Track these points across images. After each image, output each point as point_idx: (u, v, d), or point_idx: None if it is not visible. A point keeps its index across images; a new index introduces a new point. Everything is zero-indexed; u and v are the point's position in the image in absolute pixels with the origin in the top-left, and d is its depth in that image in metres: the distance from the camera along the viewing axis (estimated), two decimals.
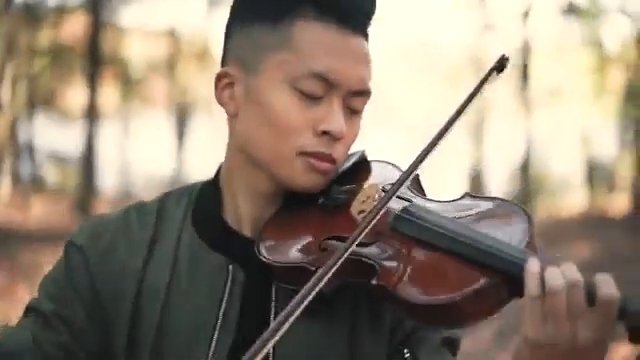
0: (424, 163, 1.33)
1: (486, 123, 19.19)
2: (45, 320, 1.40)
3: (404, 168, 1.36)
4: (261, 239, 1.38)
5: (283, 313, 1.15)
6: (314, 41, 1.35)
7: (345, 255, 1.21)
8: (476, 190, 18.02)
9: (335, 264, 1.20)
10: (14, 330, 1.42)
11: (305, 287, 1.18)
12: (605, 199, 16.84)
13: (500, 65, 1.41)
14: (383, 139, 19.07)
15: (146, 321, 1.41)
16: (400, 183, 1.30)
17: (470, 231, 1.22)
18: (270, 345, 1.14)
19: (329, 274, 1.19)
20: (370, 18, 1.42)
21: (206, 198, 1.48)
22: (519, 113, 16.95)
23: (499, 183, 18.22)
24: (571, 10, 17.41)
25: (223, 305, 1.38)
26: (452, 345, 1.40)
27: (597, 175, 18.79)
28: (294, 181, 1.37)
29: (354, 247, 1.23)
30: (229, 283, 1.39)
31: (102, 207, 14.34)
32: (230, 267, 1.40)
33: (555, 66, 19.38)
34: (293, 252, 1.32)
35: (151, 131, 19.17)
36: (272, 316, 1.36)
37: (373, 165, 1.49)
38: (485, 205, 1.32)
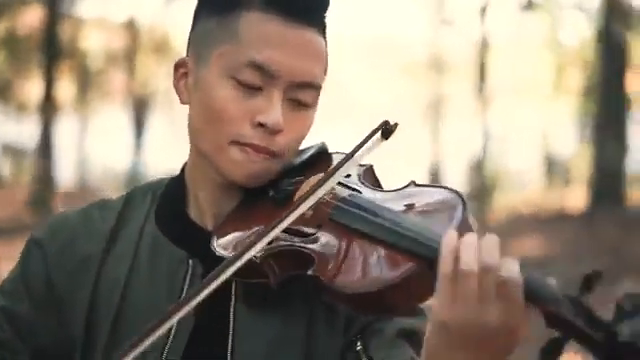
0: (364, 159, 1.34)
1: (444, 120, 19.33)
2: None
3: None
4: (216, 234, 1.37)
5: (195, 287, 1.19)
6: (256, 32, 1.34)
7: (266, 239, 1.22)
8: None
9: (252, 247, 1.21)
10: None
11: (218, 269, 1.19)
12: (562, 195, 17.03)
13: (385, 131, 1.34)
14: (342, 132, 19.10)
15: (104, 312, 1.40)
16: (331, 173, 1.29)
17: (397, 218, 1.21)
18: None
19: (244, 257, 1.20)
20: (321, 10, 1.40)
21: (171, 193, 1.48)
22: (477, 110, 17.09)
23: (457, 179, 18.34)
24: (529, 7, 17.59)
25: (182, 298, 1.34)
26: (409, 336, 1.36)
27: (555, 171, 19.01)
28: (231, 172, 1.36)
29: (277, 232, 1.23)
30: (189, 276, 1.38)
31: (59, 200, 14.21)
32: (190, 261, 1.39)
33: (513, 62, 19.55)
34: (242, 246, 1.28)
35: (109, 124, 19.04)
36: (231, 309, 1.36)
37: (334, 157, 1.45)
38: (424, 193, 1.30)
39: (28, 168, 17.30)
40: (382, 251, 1.20)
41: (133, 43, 18.11)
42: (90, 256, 1.43)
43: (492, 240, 1.09)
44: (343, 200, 1.30)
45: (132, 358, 1.16)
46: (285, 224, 1.25)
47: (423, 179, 17.74)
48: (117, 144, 18.19)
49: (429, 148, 18.83)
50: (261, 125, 1.33)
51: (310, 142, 1.46)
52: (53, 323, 1.41)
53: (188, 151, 1.47)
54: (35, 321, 1.41)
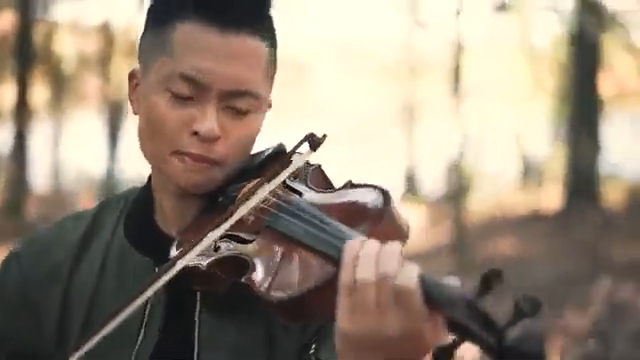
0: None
1: (419, 122, 19.36)
2: None
3: (332, 169, 1.39)
4: (175, 242, 1.40)
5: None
6: (187, 42, 1.37)
7: (197, 247, 1.30)
8: (412, 190, 18.23)
9: (186, 253, 1.29)
10: None
11: (149, 279, 1.28)
12: (538, 195, 17.11)
13: (312, 142, 1.39)
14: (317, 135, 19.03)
15: (74, 317, 1.47)
16: (260, 183, 1.35)
17: (325, 224, 1.24)
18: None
19: (180, 262, 1.28)
20: (257, 14, 1.42)
21: (140, 201, 1.53)
22: (452, 112, 17.13)
23: (433, 182, 18.38)
24: (502, 8, 17.67)
25: (148, 306, 1.40)
26: None
27: (530, 172, 19.10)
28: (176, 180, 1.40)
29: (208, 241, 1.30)
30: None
31: (33, 207, 14.10)
32: (156, 269, 1.40)
33: (488, 64, 19.62)
34: (192, 255, 1.31)
35: (84, 129, 18.91)
36: (197, 315, 1.41)
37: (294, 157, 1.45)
38: (353, 193, 1.33)
39: (1, 173, 17.16)
40: (311, 257, 1.23)
41: (108, 47, 17.98)
42: (61, 263, 1.49)
43: (392, 248, 1.11)
44: (278, 207, 1.33)
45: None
46: (217, 233, 1.30)
47: (399, 182, 17.81)
48: (92, 149, 18.06)
49: (405, 151, 18.86)
50: (197, 134, 1.37)
51: (285, 145, 1.48)
52: (28, 328, 1.49)
53: None
54: (10, 327, 1.49)
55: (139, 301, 1.27)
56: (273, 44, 1.44)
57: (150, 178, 1.51)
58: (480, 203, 17.11)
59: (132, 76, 1.46)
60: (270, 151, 1.49)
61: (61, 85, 18.35)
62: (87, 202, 15.24)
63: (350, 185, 1.36)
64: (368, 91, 22.97)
